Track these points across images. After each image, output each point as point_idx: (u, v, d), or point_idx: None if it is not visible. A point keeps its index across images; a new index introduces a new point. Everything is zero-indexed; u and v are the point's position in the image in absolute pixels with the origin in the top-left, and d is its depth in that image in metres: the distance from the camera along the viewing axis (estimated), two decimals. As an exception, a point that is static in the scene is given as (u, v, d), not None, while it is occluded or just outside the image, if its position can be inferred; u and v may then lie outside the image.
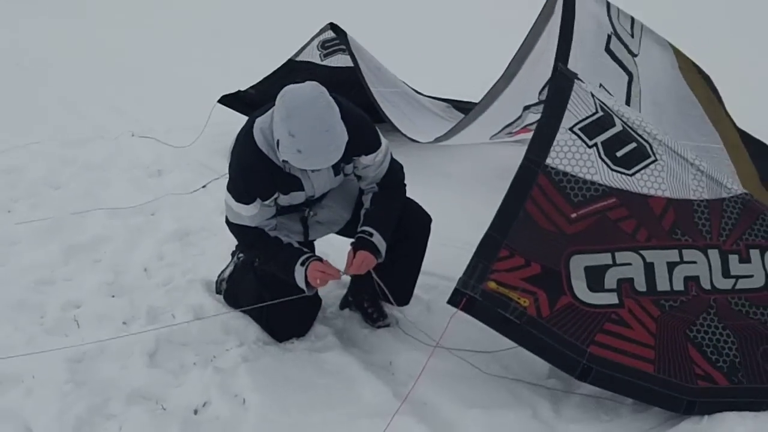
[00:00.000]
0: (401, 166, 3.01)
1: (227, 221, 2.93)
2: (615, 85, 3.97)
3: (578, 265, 2.53)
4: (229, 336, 3.04)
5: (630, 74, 4.09)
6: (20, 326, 3.12)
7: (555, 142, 2.63)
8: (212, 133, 5.40)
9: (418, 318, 3.09)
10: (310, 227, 3.04)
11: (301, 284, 2.79)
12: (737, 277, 2.64)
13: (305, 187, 2.82)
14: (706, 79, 4.40)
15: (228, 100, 5.36)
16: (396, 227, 2.91)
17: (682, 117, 4.25)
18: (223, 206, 4.23)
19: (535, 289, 2.50)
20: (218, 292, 3.37)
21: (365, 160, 2.84)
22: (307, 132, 2.46)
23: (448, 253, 3.45)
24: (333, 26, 5.14)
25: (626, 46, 4.09)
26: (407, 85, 5.53)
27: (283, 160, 2.63)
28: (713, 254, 2.64)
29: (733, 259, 2.66)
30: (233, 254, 3.43)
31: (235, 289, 3.24)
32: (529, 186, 2.57)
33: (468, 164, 4.83)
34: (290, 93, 2.53)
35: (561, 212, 2.57)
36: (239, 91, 5.41)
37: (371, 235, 2.81)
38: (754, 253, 2.69)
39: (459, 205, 4.21)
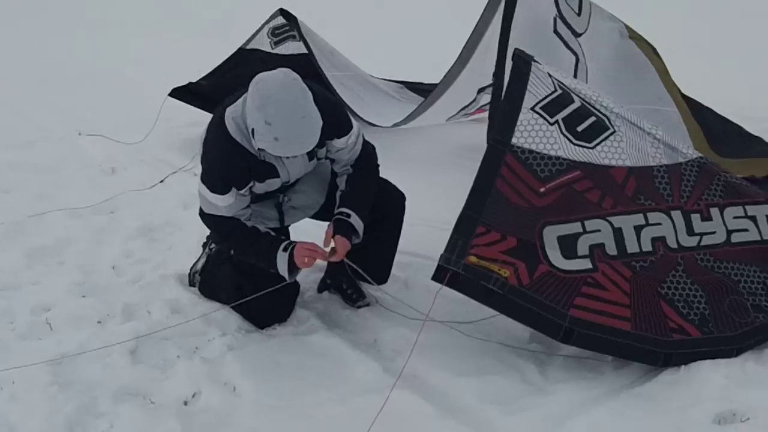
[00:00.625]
0: (374, 148, 3.05)
1: (201, 213, 2.92)
2: (565, 66, 4.09)
3: (551, 235, 2.64)
4: (211, 327, 3.02)
5: (576, 55, 4.21)
6: (-9, 333, 3.04)
7: (518, 123, 2.74)
8: (165, 127, 5.33)
9: (398, 295, 3.13)
10: (285, 213, 3.06)
11: (283, 272, 2.80)
12: (701, 234, 2.79)
13: (280, 173, 2.83)
14: (654, 49, 4.56)
15: (179, 93, 5.29)
16: (372, 206, 2.95)
17: (638, 81, 4.38)
18: (186, 200, 4.29)
19: (514, 260, 2.59)
20: (192, 284, 3.35)
21: (338, 143, 2.86)
22: (283, 120, 2.48)
23: (418, 231, 3.52)
24: (283, 12, 5.11)
25: (570, 27, 4.20)
26: (359, 68, 5.56)
27: (259, 149, 2.64)
28: (676, 215, 2.79)
29: (696, 218, 2.81)
30: (204, 245, 3.41)
31: (210, 280, 3.23)
32: (498, 165, 2.68)
33: (427, 145, 4.91)
34: (263, 81, 2.54)
35: (530, 188, 2.68)
36: (190, 83, 5.35)
37: (349, 216, 2.85)
38: (714, 212, 2.85)
39: (423, 185, 4.25)
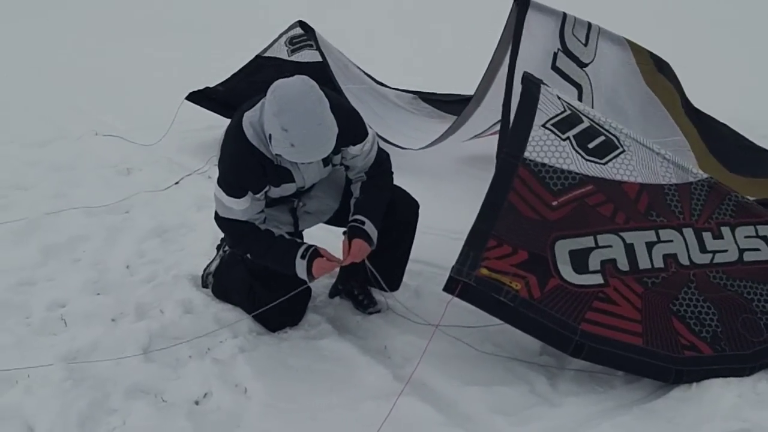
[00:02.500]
0: (388, 155, 3.08)
1: (216, 216, 2.94)
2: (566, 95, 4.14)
3: (563, 249, 2.66)
4: (222, 328, 3.06)
5: (579, 87, 4.25)
6: (8, 327, 3.08)
7: (530, 138, 2.77)
8: (180, 130, 5.38)
9: (408, 303, 3.16)
10: (299, 218, 3.09)
11: (303, 276, 2.83)
12: (714, 252, 2.80)
13: (296, 179, 2.86)
14: (663, 69, 4.57)
15: (195, 97, 5.34)
16: (385, 213, 2.98)
17: (644, 117, 4.44)
18: (200, 202, 4.33)
19: (525, 273, 2.61)
20: (205, 285, 3.38)
21: (353, 150, 2.90)
22: (299, 126, 2.51)
23: (429, 240, 3.55)
24: (302, 24, 5.16)
25: (576, 59, 4.24)
26: (372, 78, 5.60)
27: (276, 154, 2.68)
28: (688, 232, 2.80)
29: (707, 236, 2.83)
30: (218, 248, 3.44)
31: (223, 282, 3.27)
32: (511, 178, 2.71)
33: (438, 155, 4.91)
34: (281, 88, 2.57)
35: (542, 200, 2.70)
36: (207, 87, 5.40)
37: (363, 223, 2.88)
38: (725, 230, 2.86)
39: (434, 194, 4.27)
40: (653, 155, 2.94)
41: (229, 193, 2.81)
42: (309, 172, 2.89)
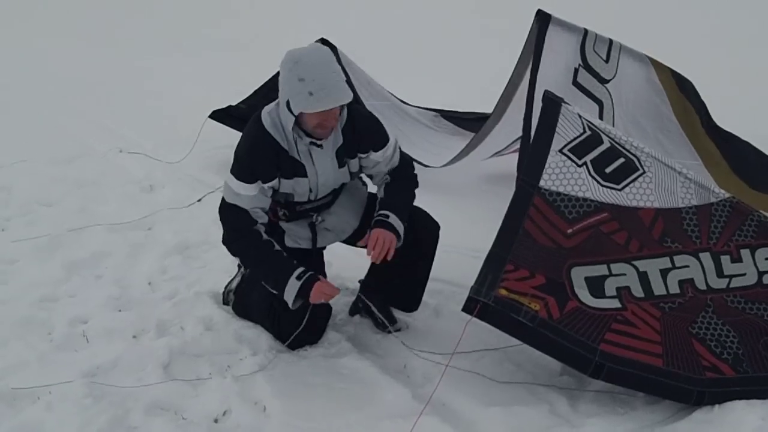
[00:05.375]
0: (410, 159, 3.12)
1: (222, 205, 2.94)
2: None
3: (579, 275, 2.67)
4: (242, 345, 3.07)
5: (600, 102, 4.26)
6: (31, 343, 3.11)
7: (547, 165, 2.78)
8: (203, 148, 5.43)
9: (428, 322, 3.17)
10: (318, 233, 3.10)
11: (289, 298, 2.82)
12: (731, 276, 2.78)
13: (308, 172, 2.88)
14: (685, 87, 4.55)
15: (219, 116, 5.39)
16: (406, 234, 2.98)
17: (662, 134, 4.43)
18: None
19: (544, 295, 2.62)
20: (225, 303, 3.41)
21: (375, 156, 2.95)
22: (316, 73, 2.60)
23: (450, 258, 3.54)
24: (323, 41, 5.20)
25: (597, 75, 4.26)
26: (395, 96, 5.63)
27: (294, 136, 2.76)
28: (705, 257, 2.79)
29: (725, 259, 2.80)
30: (240, 266, 3.47)
31: (244, 300, 3.28)
32: (526, 206, 2.72)
33: (458, 172, 4.91)
34: (293, 50, 2.71)
35: (557, 229, 2.71)
36: (230, 106, 5.45)
37: (387, 216, 2.91)
38: (745, 253, 2.83)
39: (454, 212, 4.26)
40: (674, 175, 2.91)
41: (239, 177, 2.84)
42: (322, 166, 2.89)
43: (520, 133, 4.00)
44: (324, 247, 3.18)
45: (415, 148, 4.97)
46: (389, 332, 3.16)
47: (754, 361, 2.61)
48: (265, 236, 2.90)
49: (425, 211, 3.13)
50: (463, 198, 4.63)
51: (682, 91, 4.56)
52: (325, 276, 3.09)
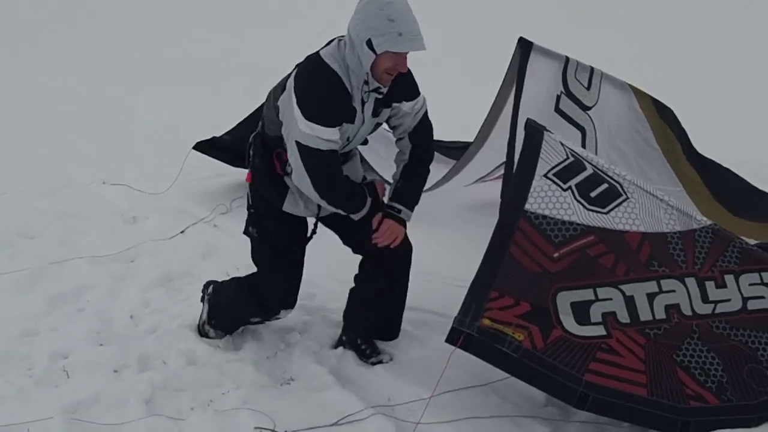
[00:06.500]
0: (431, 125, 3.15)
1: (306, 152, 2.77)
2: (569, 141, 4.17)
3: (564, 301, 2.66)
4: (225, 379, 3.05)
5: (582, 129, 4.29)
6: (10, 379, 3.07)
7: (532, 189, 2.79)
8: (186, 179, 5.40)
9: (413, 353, 3.15)
10: None
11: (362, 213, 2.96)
12: (716, 302, 2.79)
13: (356, 120, 2.86)
14: (666, 115, 4.60)
15: (203, 147, 5.38)
16: (377, 260, 3.03)
17: (644, 160, 4.46)
18: (205, 250, 4.36)
19: (528, 324, 2.61)
20: (203, 335, 3.37)
21: (405, 107, 2.98)
22: (406, 16, 2.66)
23: (435, 288, 3.55)
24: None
25: (579, 102, 4.29)
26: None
27: (364, 78, 2.76)
28: (690, 282, 2.79)
29: (710, 285, 2.81)
30: (202, 299, 3.44)
31: (221, 304, 3.31)
32: (512, 231, 2.73)
33: (441, 201, 4.92)
34: None
35: (544, 253, 2.71)
36: (214, 137, 5.44)
37: (399, 211, 3.02)
38: (729, 279, 2.85)
39: (437, 242, 4.31)
40: (657, 202, 2.94)
41: (324, 123, 2.74)
42: (367, 115, 2.89)
43: (503, 159, 4.02)
44: (316, 225, 3.12)
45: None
46: (373, 364, 3.15)
47: (739, 389, 2.61)
48: (340, 172, 2.91)
49: None
50: (446, 227, 4.63)
51: (662, 119, 4.60)
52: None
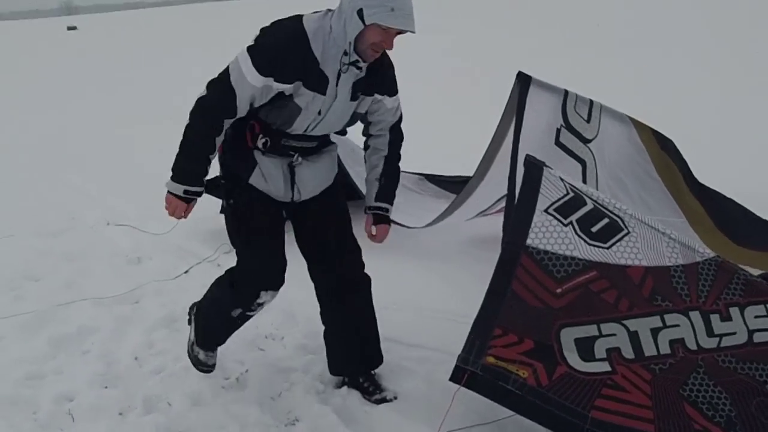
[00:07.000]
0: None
1: (219, 76, 2.75)
2: (570, 175, 4.17)
3: (568, 337, 2.65)
4: (230, 421, 3.03)
5: (583, 162, 4.30)
6: (14, 423, 3.07)
7: (533, 224, 2.79)
8: (190, 218, 5.39)
9: (417, 391, 3.13)
10: (296, 174, 2.98)
11: (169, 187, 2.94)
12: (721, 336, 2.76)
13: (328, 93, 2.77)
14: (667, 146, 4.63)
15: (207, 187, 5.39)
16: (326, 263, 3.10)
17: (646, 191, 4.47)
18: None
19: (532, 361, 2.60)
20: (193, 362, 3.29)
21: (388, 102, 2.97)
22: None
23: (437, 324, 3.55)
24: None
25: (579, 135, 4.30)
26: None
27: (346, 48, 2.69)
28: (695, 316, 2.78)
29: (715, 318, 2.79)
30: (189, 321, 3.42)
31: (204, 320, 3.26)
32: (513, 266, 2.72)
33: (442, 236, 4.94)
34: None
35: (546, 288, 2.70)
36: (216, 176, 5.46)
37: (387, 210, 3.13)
38: (734, 311, 2.83)
39: (440, 277, 4.31)
40: (659, 235, 2.94)
41: (255, 63, 2.66)
42: (342, 92, 2.81)
43: (504, 192, 4.04)
44: (284, 208, 3.07)
45: (398, 212, 4.98)
46: (377, 402, 3.13)
47: (747, 424, 2.58)
48: (218, 138, 2.81)
49: (357, 257, 3.17)
50: (448, 261, 4.63)
51: (663, 150, 4.61)
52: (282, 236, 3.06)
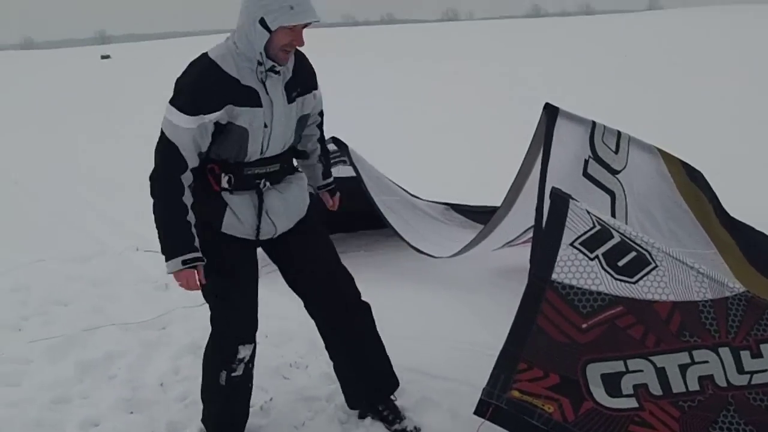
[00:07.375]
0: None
1: (160, 139, 2.75)
2: (598, 206, 4.16)
3: (594, 373, 2.62)
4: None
5: (612, 193, 4.28)
6: (40, 447, 3.10)
7: (558, 258, 2.77)
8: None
9: (442, 424, 3.10)
10: (265, 206, 2.92)
11: (168, 269, 2.84)
12: (752, 373, 2.71)
13: (263, 102, 2.77)
14: (696, 177, 4.60)
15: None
16: (323, 292, 3.10)
17: (675, 223, 4.43)
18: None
19: (558, 396, 2.57)
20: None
21: (317, 93, 3.06)
22: None
23: (462, 356, 3.52)
24: (335, 139, 5.34)
25: (607, 166, 4.28)
26: (405, 190, 5.71)
27: (258, 59, 2.72)
28: (724, 352, 2.73)
29: (745, 355, 2.74)
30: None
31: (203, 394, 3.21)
32: (539, 301, 2.70)
33: (467, 266, 4.93)
34: None
35: (572, 323, 2.68)
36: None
37: (333, 181, 3.40)
38: (765, 348, 2.77)
39: (465, 307, 4.29)
40: (687, 270, 2.90)
41: (180, 108, 2.69)
42: (276, 96, 2.81)
43: (531, 223, 4.03)
44: (262, 247, 3.07)
45: (425, 241, 5.00)
46: (396, 431, 3.11)
47: (778, 464, 2.53)
48: (185, 198, 2.75)
49: (353, 292, 3.16)
50: (473, 292, 4.61)
51: (693, 181, 4.59)
52: (256, 272, 3.08)
